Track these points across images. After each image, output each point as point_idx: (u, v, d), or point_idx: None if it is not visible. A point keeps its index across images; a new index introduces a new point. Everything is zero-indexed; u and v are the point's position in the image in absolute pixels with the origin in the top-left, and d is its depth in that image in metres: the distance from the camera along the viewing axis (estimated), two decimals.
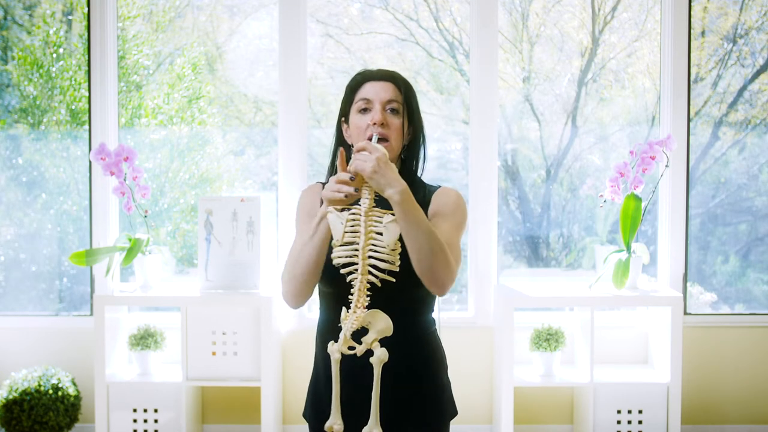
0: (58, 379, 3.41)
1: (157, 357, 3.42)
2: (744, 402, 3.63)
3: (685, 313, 3.58)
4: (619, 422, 3.29)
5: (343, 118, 1.92)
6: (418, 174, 1.95)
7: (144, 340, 3.35)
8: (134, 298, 3.28)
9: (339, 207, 1.67)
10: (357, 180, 1.66)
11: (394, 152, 1.86)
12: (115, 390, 3.31)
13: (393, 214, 1.65)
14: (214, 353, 3.27)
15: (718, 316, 3.67)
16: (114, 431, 3.31)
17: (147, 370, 3.37)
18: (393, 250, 1.64)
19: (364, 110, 1.84)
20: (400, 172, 1.87)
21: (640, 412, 3.29)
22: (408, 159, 1.92)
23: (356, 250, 1.64)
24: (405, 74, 2.00)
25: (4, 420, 3.36)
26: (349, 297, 1.63)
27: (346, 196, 1.65)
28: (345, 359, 1.65)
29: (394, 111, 1.85)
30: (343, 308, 1.64)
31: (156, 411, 3.32)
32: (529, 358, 3.48)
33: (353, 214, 1.65)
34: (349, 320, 1.61)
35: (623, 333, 3.60)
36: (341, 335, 1.62)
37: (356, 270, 1.64)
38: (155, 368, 3.40)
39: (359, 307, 1.62)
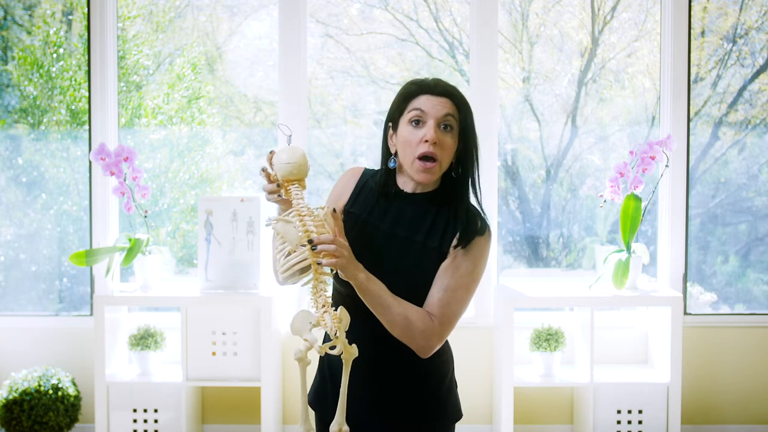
0: (58, 379, 3.41)
1: (157, 357, 3.42)
2: (744, 402, 3.63)
3: (685, 313, 3.58)
4: (619, 422, 3.29)
5: (390, 123, 1.84)
6: (474, 202, 1.82)
7: (144, 340, 3.35)
8: (134, 299, 3.28)
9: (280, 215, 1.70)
10: (278, 181, 1.70)
11: (441, 172, 1.78)
12: (115, 390, 3.31)
13: (322, 208, 1.68)
14: (214, 353, 3.27)
15: (718, 316, 3.67)
16: (114, 431, 3.31)
17: (147, 371, 3.37)
18: None
19: (417, 122, 1.75)
20: (444, 191, 1.81)
21: (640, 412, 3.29)
22: (460, 179, 1.81)
23: (303, 252, 1.62)
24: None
25: (4, 420, 3.36)
26: (310, 299, 1.61)
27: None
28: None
29: (448, 127, 1.76)
30: (300, 311, 1.60)
31: (156, 411, 3.32)
32: (529, 358, 3.48)
33: (297, 216, 1.65)
34: (330, 321, 1.56)
35: (623, 333, 3.60)
36: (314, 339, 1.59)
37: (309, 272, 1.63)
38: (155, 368, 3.40)
39: (327, 306, 1.60)
